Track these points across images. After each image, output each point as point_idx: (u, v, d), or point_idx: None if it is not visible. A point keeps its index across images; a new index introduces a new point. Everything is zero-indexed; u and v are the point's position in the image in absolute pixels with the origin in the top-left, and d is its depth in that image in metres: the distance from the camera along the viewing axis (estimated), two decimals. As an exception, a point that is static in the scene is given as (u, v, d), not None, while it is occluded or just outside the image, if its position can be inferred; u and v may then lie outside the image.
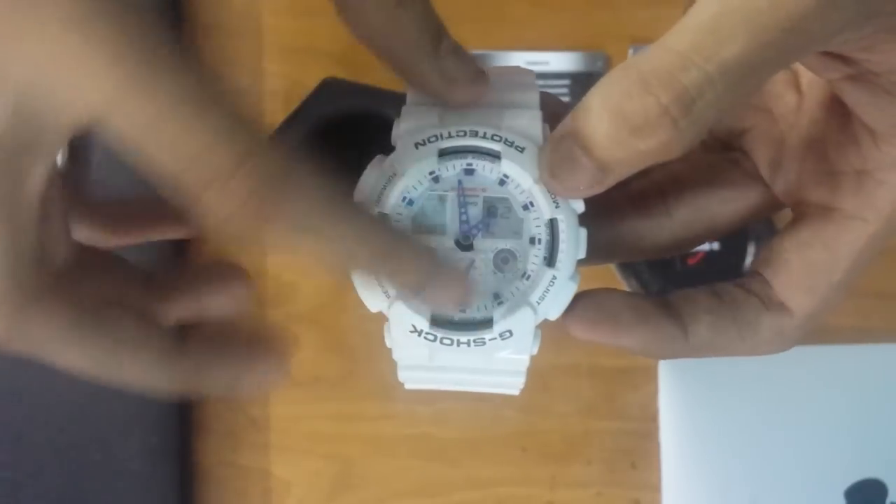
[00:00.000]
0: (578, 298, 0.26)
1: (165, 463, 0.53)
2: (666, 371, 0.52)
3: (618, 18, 0.54)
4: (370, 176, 0.26)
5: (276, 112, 0.54)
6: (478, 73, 0.25)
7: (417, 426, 0.54)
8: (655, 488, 0.53)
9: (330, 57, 0.55)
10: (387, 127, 0.26)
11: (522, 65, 0.54)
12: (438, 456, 0.54)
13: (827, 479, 0.51)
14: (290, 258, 0.55)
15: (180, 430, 0.53)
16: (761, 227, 0.52)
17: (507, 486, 0.54)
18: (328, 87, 0.53)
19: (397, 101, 0.27)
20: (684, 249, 0.29)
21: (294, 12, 0.55)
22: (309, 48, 0.55)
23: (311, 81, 0.53)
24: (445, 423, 0.54)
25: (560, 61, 0.54)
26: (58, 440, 0.52)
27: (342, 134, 0.53)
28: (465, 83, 0.25)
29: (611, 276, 0.53)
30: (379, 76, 0.53)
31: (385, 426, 0.54)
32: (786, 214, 0.29)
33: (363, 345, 0.54)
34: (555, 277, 0.25)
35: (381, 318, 0.26)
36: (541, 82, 0.56)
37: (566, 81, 0.54)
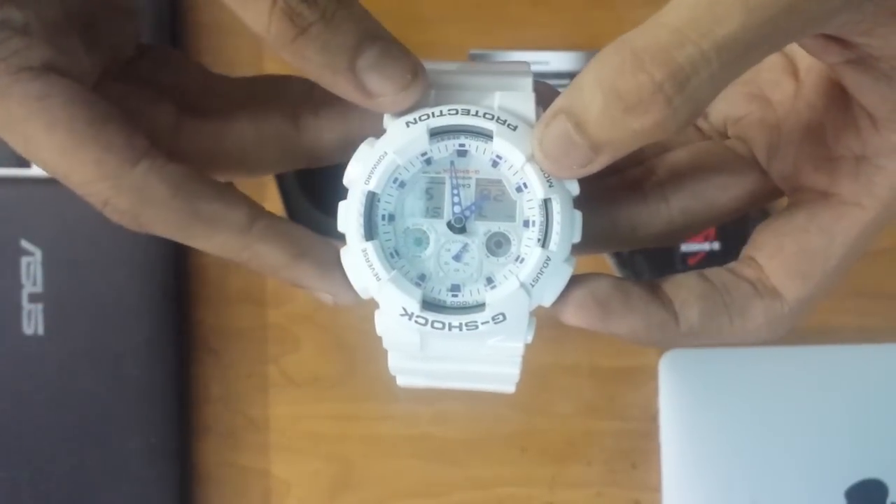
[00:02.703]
0: (568, 283, 0.25)
1: (165, 463, 0.53)
2: (666, 371, 0.52)
3: (618, 18, 0.54)
4: (360, 157, 0.25)
5: (276, 112, 0.54)
6: (406, 81, 0.24)
7: (417, 426, 0.54)
8: (655, 488, 0.53)
9: (330, 57, 0.55)
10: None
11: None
12: (438, 456, 0.54)
13: (827, 480, 0.51)
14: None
15: (180, 430, 0.53)
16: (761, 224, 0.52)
17: (507, 486, 0.54)
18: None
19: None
20: (682, 238, 0.29)
21: (294, 12, 0.55)
22: (309, 48, 0.55)
23: (311, 81, 0.53)
24: (445, 423, 0.54)
25: (560, 61, 0.54)
26: (58, 440, 0.52)
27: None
28: (391, 94, 0.24)
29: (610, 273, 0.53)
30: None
31: (385, 426, 0.54)
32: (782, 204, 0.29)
33: (363, 345, 0.54)
34: (549, 258, 0.25)
35: (374, 310, 0.26)
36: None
37: (566, 81, 0.54)
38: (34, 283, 0.52)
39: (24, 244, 0.52)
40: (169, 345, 0.53)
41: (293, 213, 0.52)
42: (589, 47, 0.54)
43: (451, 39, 0.55)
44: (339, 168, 0.26)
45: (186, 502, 0.54)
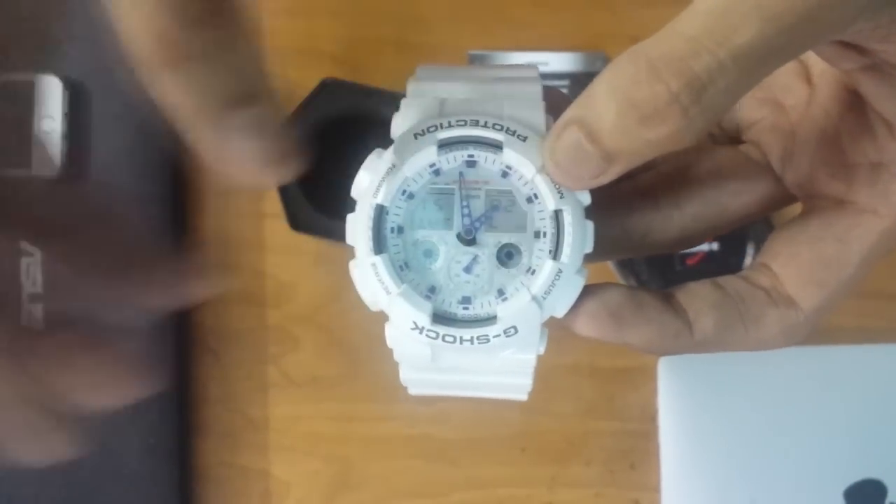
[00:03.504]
0: (580, 294, 0.25)
1: (165, 463, 0.53)
2: (665, 371, 0.52)
3: (618, 18, 0.54)
4: (368, 169, 0.25)
5: (275, 112, 0.54)
6: (277, 157, 0.22)
7: (417, 426, 0.54)
8: (655, 489, 0.53)
9: (330, 57, 0.55)
10: (386, 126, 0.26)
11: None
12: (438, 456, 0.54)
13: (826, 480, 0.51)
14: (290, 258, 0.55)
15: (179, 430, 0.53)
16: (760, 227, 0.52)
17: (507, 486, 0.54)
18: (328, 87, 0.53)
19: (397, 101, 0.27)
20: (693, 244, 0.29)
21: (294, 13, 0.55)
22: (309, 48, 0.55)
23: (311, 81, 0.53)
24: (445, 424, 0.54)
25: (560, 61, 0.54)
26: (57, 440, 0.52)
27: (342, 134, 0.53)
28: (251, 164, 0.21)
29: (609, 275, 0.53)
30: (379, 76, 0.53)
31: (385, 426, 0.54)
32: (782, 213, 0.29)
33: (363, 345, 0.54)
34: (560, 271, 0.25)
35: (380, 319, 0.26)
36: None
37: (566, 82, 0.54)
38: (34, 284, 0.52)
39: (24, 245, 0.52)
40: (169, 345, 0.53)
41: (293, 213, 0.52)
42: (589, 48, 0.54)
43: (451, 40, 0.55)
44: (341, 170, 0.25)
45: (186, 502, 0.54)
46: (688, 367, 0.52)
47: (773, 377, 0.52)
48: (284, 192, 0.52)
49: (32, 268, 0.53)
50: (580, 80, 0.54)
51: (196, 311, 0.55)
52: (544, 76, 0.54)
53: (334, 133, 0.53)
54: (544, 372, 0.53)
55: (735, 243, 0.54)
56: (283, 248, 0.55)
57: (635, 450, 0.54)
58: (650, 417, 0.53)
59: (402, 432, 0.54)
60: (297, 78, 0.54)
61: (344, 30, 0.55)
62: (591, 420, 0.54)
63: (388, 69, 0.54)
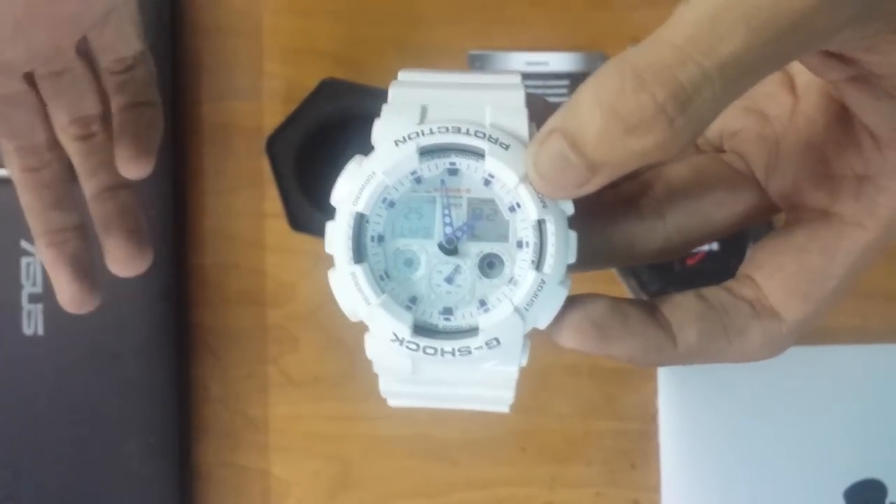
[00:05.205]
0: (564, 305, 0.25)
1: (165, 463, 0.53)
2: (665, 372, 0.52)
3: (617, 18, 0.54)
4: (348, 176, 0.25)
5: (276, 112, 0.54)
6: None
7: (416, 426, 0.54)
8: (655, 489, 0.53)
9: (330, 57, 0.55)
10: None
11: (522, 65, 0.54)
12: (438, 456, 0.54)
13: (826, 480, 0.51)
14: (290, 258, 0.55)
15: (179, 430, 0.53)
16: (761, 228, 0.52)
17: (507, 486, 0.54)
18: (328, 88, 0.53)
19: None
20: (678, 254, 0.28)
21: (294, 12, 0.55)
22: (309, 48, 0.55)
23: (311, 81, 0.53)
24: (445, 424, 0.54)
25: (559, 62, 0.54)
26: (58, 440, 0.52)
27: (341, 134, 0.53)
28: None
29: (610, 275, 0.53)
30: (379, 76, 0.53)
31: (384, 426, 0.54)
32: (783, 215, 0.29)
33: (362, 345, 0.54)
34: (543, 282, 0.24)
35: (365, 327, 0.25)
36: (540, 83, 0.56)
37: (566, 82, 0.54)
38: (34, 284, 0.52)
39: (25, 245, 0.52)
40: (168, 345, 0.53)
41: (293, 213, 0.52)
42: (588, 48, 0.54)
43: (449, 40, 0.55)
44: (340, 170, 0.25)
45: (186, 502, 0.54)
46: (688, 368, 0.52)
47: (773, 377, 0.52)
48: (284, 191, 0.52)
49: (32, 268, 0.53)
50: (580, 81, 0.54)
51: (196, 311, 0.55)
52: (544, 76, 0.54)
53: (334, 133, 0.53)
54: (544, 372, 0.53)
55: (735, 244, 0.53)
56: (283, 248, 0.55)
57: (635, 450, 0.54)
58: (650, 417, 0.53)
59: (402, 432, 0.54)
60: (297, 78, 0.54)
61: (344, 30, 0.55)
62: (591, 420, 0.54)
63: (388, 69, 0.54)
